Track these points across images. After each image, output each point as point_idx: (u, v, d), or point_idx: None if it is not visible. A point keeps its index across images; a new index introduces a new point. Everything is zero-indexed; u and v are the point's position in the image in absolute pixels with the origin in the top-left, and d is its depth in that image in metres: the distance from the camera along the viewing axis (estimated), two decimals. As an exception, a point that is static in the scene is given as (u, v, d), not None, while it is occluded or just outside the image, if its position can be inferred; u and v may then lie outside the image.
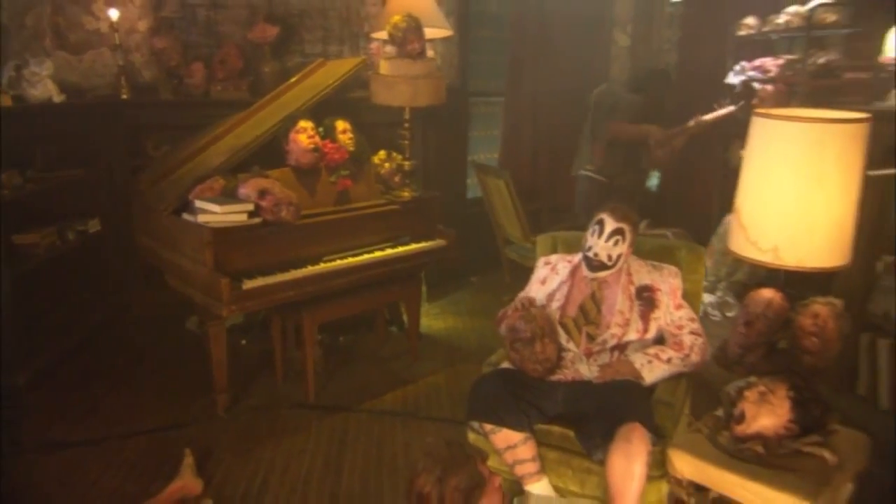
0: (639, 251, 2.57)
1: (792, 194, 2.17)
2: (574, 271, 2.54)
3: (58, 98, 3.51)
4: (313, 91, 3.43)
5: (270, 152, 3.25)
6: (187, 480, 2.51)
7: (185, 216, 2.93)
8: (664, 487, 2.16)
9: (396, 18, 3.24)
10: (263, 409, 3.17)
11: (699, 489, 2.10)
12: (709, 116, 4.27)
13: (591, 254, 2.41)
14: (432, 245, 3.48)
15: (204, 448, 2.78)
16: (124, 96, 4.07)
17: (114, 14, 3.99)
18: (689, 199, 4.78)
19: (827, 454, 1.94)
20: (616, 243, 2.38)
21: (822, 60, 3.80)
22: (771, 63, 4.16)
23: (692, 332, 2.38)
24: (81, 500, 2.50)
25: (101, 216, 3.98)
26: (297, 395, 3.28)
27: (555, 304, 2.47)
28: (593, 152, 4.32)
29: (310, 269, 3.02)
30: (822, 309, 2.34)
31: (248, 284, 2.81)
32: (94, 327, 3.87)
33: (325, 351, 3.64)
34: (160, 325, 4.10)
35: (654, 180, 5.66)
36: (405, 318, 4.08)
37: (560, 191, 5.09)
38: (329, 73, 3.62)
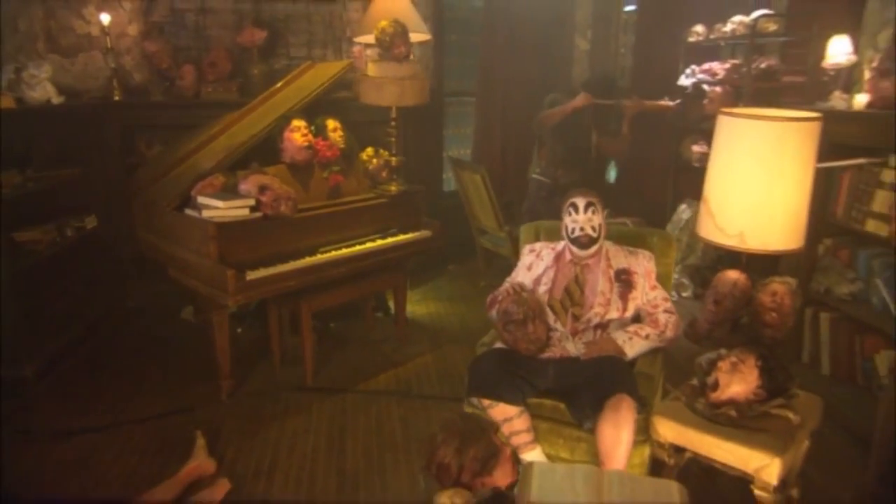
0: (615, 238, 2.64)
1: (755, 185, 2.25)
2: (558, 257, 2.58)
3: (56, 100, 3.38)
4: (304, 92, 3.38)
5: (264, 150, 3.21)
6: (201, 460, 2.48)
7: (188, 212, 2.87)
8: (646, 451, 2.22)
9: (384, 23, 3.21)
10: (264, 393, 3.14)
11: (678, 451, 2.18)
12: (648, 102, 4.30)
13: (575, 234, 2.46)
14: (419, 235, 3.48)
15: (213, 431, 2.74)
16: (117, 98, 3.94)
17: (105, 18, 3.87)
18: (645, 190, 4.87)
19: (791, 415, 2.03)
20: (593, 213, 2.45)
21: (763, 65, 3.92)
22: (718, 67, 4.28)
23: (666, 311, 2.46)
24: (102, 482, 2.45)
25: (96, 213, 3.85)
26: (295, 379, 3.26)
27: (542, 288, 2.52)
28: (539, 155, 4.32)
29: (308, 260, 3.00)
30: (779, 287, 2.43)
31: (252, 275, 2.77)
32: (94, 320, 3.76)
33: (317, 337, 3.61)
34: (155, 316, 4.01)
35: (612, 174, 5.77)
36: (390, 304, 4.09)
37: (527, 185, 5.14)
38: (317, 75, 3.58)
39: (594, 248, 2.47)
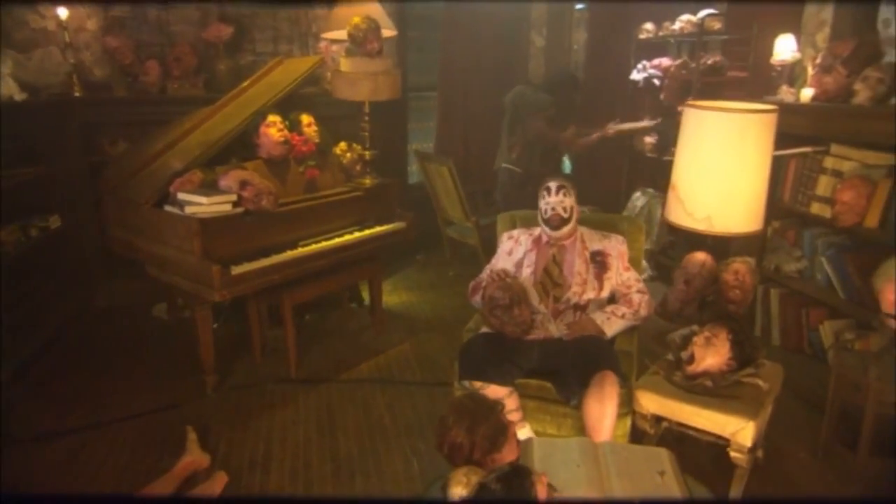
0: (589, 224, 2.72)
1: (721, 172, 2.37)
2: (536, 240, 2.64)
3: (19, 96, 3.21)
4: (277, 88, 3.32)
5: (239, 146, 3.14)
6: (195, 455, 2.44)
7: (169, 208, 2.79)
8: (628, 423, 2.32)
9: (357, 20, 3.19)
10: (249, 386, 3.10)
11: (657, 421, 2.29)
12: (625, 126, 4.47)
13: (547, 214, 2.53)
14: (395, 227, 3.49)
15: (201, 425, 2.68)
16: (77, 94, 3.76)
17: (62, 13, 3.67)
18: (600, 180, 5.01)
19: (760, 382, 2.17)
20: (564, 195, 2.51)
21: (710, 61, 4.10)
22: (668, 63, 4.44)
23: (639, 291, 2.56)
24: (94, 480, 2.37)
25: (60, 212, 3.69)
26: (278, 371, 3.23)
27: (527, 271, 2.57)
28: (511, 147, 4.39)
29: (290, 254, 2.96)
30: (741, 266, 2.58)
31: (237, 270, 2.73)
32: (63, 321, 3.61)
33: (295, 329, 3.57)
34: (126, 315, 3.87)
35: (566, 165, 5.90)
36: (363, 295, 4.09)
37: (489, 176, 5.20)
38: (288, 71, 3.51)
39: (566, 229, 2.53)
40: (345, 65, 3.29)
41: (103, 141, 3.90)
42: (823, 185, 2.82)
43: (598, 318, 2.46)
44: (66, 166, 3.77)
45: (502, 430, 1.70)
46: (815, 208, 2.88)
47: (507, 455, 1.72)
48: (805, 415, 2.76)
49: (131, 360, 3.32)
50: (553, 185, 2.55)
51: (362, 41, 3.22)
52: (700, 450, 2.38)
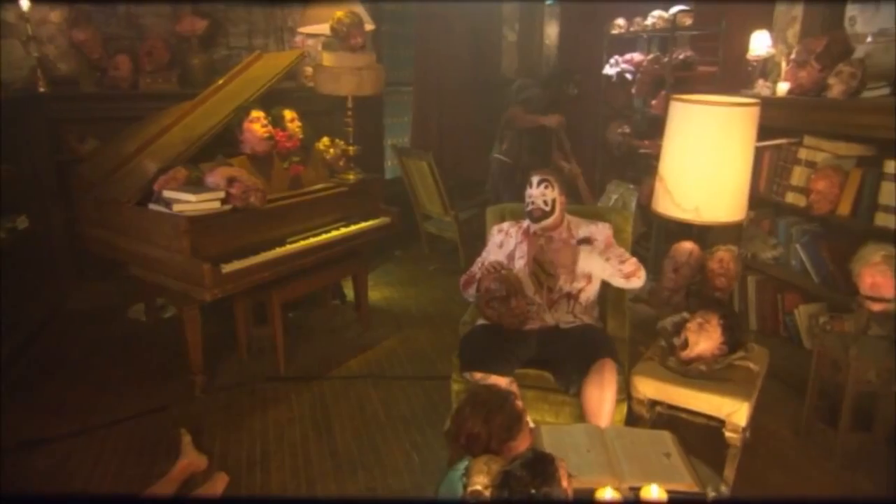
0: (577, 214, 2.76)
1: (707, 164, 2.45)
2: (525, 232, 2.67)
3: (-15, 92, 3.06)
4: (258, 82, 3.26)
5: (221, 142, 3.08)
6: (192, 457, 2.40)
7: (154, 207, 2.72)
8: (624, 408, 2.38)
9: (340, 14, 3.17)
10: (238, 385, 3.05)
11: (652, 406, 2.37)
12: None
13: (529, 207, 2.56)
14: (380, 222, 3.48)
15: (193, 427, 2.63)
16: (42, 90, 3.62)
17: (24, 4, 3.52)
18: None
19: (751, 365, 2.26)
20: (546, 187, 2.53)
21: (681, 56, 4.21)
22: (640, 58, 4.55)
23: (634, 261, 2.57)
24: (88, 486, 2.30)
25: (27, 213, 3.54)
26: (266, 369, 3.19)
27: (520, 262, 2.60)
28: (501, 139, 4.51)
29: (280, 250, 2.93)
30: (725, 254, 2.68)
31: (227, 268, 2.68)
32: (36, 325, 3.48)
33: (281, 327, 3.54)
34: (100, 317, 3.75)
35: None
36: (346, 292, 4.07)
37: (465, 169, 5.24)
38: (268, 66, 3.46)
39: (548, 221, 2.55)
40: (328, 59, 3.26)
41: (71, 138, 3.78)
42: (798, 176, 2.95)
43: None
44: (32, 165, 3.64)
45: (517, 419, 1.73)
46: (790, 198, 3.00)
47: (522, 443, 1.75)
48: (783, 395, 2.89)
49: (111, 364, 3.23)
50: (535, 178, 2.57)
51: (346, 35, 3.19)
52: (690, 432, 2.47)
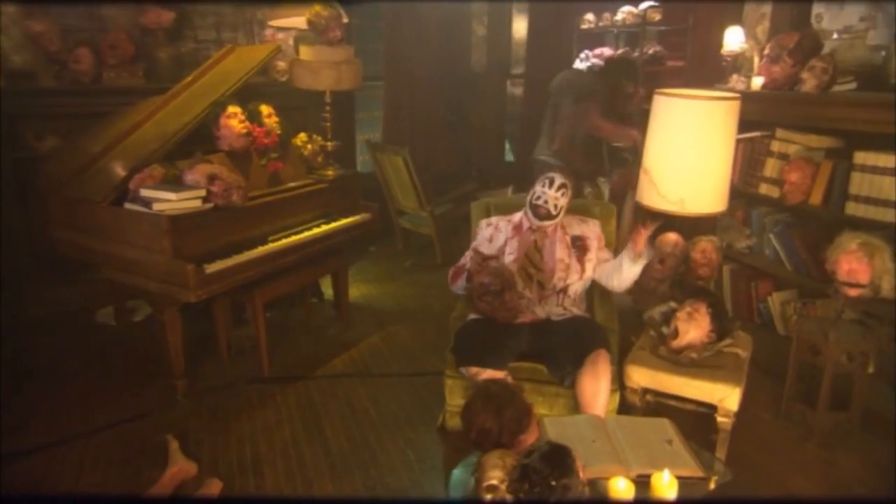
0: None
1: (692, 156, 2.51)
2: (517, 227, 2.68)
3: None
4: (233, 77, 3.17)
5: (196, 138, 2.99)
6: (181, 464, 2.33)
7: (130, 206, 2.62)
8: (617, 397, 2.43)
9: (318, 7, 3.11)
10: (221, 388, 2.97)
11: (643, 394, 2.42)
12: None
13: (539, 202, 2.55)
14: (361, 219, 3.45)
15: (178, 433, 2.55)
16: (-5, 84, 3.43)
17: (-25, -7, 3.33)
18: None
19: (739, 351, 2.34)
20: (563, 195, 2.55)
21: (651, 51, 4.31)
22: (610, 52, 4.62)
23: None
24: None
25: (-16, 215, 3.36)
26: (248, 371, 3.12)
27: (510, 257, 2.62)
28: (552, 138, 3.95)
29: (263, 249, 2.87)
30: (707, 245, 2.76)
31: (211, 268, 2.61)
32: (-3, 333, 3.30)
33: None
34: (66, 322, 3.59)
35: (509, 157, 6.02)
36: (323, 290, 4.01)
37: (437, 164, 5.23)
38: (242, 60, 3.36)
39: (549, 223, 2.58)
40: (305, 53, 3.20)
41: (28, 135, 3.59)
42: (771, 167, 3.06)
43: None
44: (-13, 164, 3.44)
45: (527, 411, 1.75)
46: (764, 189, 3.11)
47: (531, 436, 1.77)
48: (759, 379, 2.99)
49: (83, 371, 3.10)
50: (557, 180, 2.56)
51: (324, 29, 3.14)
52: (676, 418, 2.52)
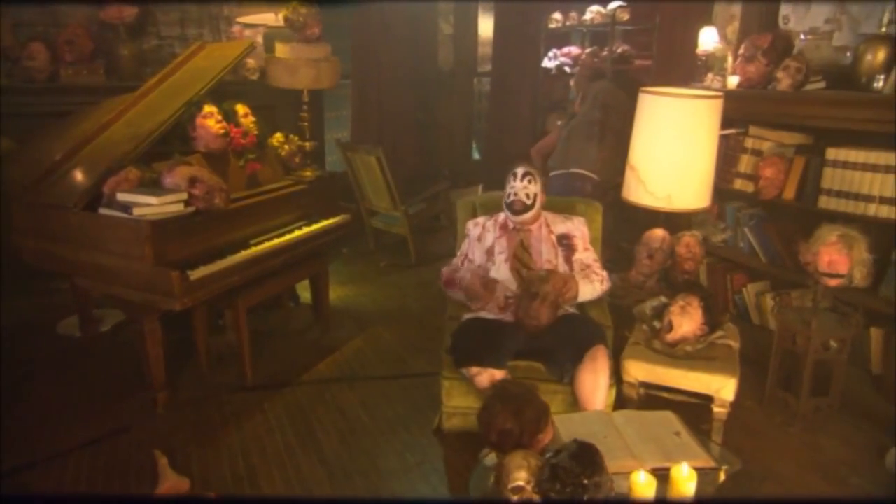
0: (550, 207, 2.81)
1: (677, 153, 2.58)
2: (503, 226, 2.68)
3: None
4: (207, 75, 3.05)
5: (170, 139, 2.88)
6: (172, 480, 2.23)
7: (106, 211, 2.48)
8: (614, 392, 2.46)
9: (296, 3, 3.02)
10: (204, 399, 2.86)
11: (640, 388, 2.46)
12: None
13: (510, 199, 2.57)
14: (341, 220, 3.38)
15: (163, 447, 2.44)
16: (-58, 81, 3.21)
17: (-83, -16, 3.10)
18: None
19: (731, 343, 2.41)
20: (529, 182, 2.56)
21: (619, 50, 4.39)
22: (577, 51, 4.69)
23: (600, 268, 2.68)
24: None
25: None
26: (230, 379, 3.01)
27: (500, 257, 2.61)
28: (599, 152, 3.70)
29: (246, 253, 2.77)
30: (690, 239, 2.83)
31: (195, 275, 2.50)
32: (-48, 348, 3.08)
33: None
34: (25, 334, 3.39)
35: (476, 155, 6.03)
36: (299, 293, 3.92)
37: (405, 163, 5.19)
38: (213, 57, 3.24)
39: (527, 215, 2.58)
40: (282, 51, 3.11)
41: (-21, 137, 3.37)
42: (745, 163, 3.16)
43: (579, 276, 2.53)
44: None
45: (545, 411, 1.75)
46: (738, 184, 3.21)
47: (547, 435, 1.77)
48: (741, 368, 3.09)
49: (51, 386, 2.93)
50: (519, 171, 2.60)
51: (302, 26, 3.06)
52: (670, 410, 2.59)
